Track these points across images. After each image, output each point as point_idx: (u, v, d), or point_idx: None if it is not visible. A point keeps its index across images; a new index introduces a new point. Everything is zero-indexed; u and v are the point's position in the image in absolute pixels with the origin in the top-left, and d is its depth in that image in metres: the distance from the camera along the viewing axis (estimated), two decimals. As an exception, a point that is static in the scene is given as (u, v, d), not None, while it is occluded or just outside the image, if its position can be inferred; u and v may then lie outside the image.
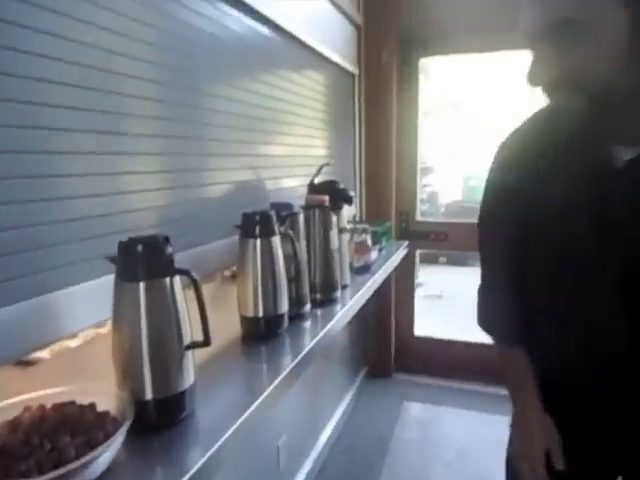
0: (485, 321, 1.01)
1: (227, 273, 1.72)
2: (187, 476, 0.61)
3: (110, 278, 0.71)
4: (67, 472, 0.53)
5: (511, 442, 0.95)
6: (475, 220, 0.96)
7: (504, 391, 1.01)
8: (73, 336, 1.23)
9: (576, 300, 0.79)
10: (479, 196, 0.94)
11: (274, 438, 1.65)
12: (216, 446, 0.67)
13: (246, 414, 0.75)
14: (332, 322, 1.19)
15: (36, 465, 0.55)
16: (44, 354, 1.14)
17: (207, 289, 0.81)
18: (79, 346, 1.16)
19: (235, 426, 0.72)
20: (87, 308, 0.82)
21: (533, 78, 0.63)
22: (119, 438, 0.59)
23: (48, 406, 0.66)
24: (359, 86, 2.46)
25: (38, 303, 0.74)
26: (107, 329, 1.24)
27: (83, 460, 0.54)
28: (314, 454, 2.02)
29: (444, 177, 6.67)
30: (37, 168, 0.74)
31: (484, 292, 1.00)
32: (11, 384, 0.80)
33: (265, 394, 0.82)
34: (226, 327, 1.10)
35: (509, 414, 0.98)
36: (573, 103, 0.63)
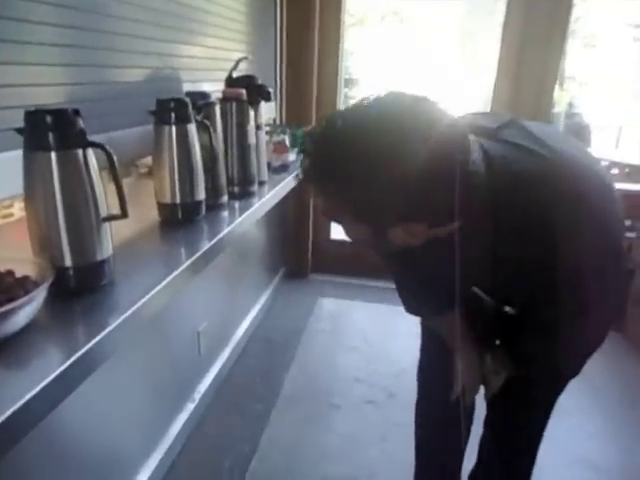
0: (413, 309, 1.12)
1: (143, 170, 1.69)
2: (105, 332, 0.66)
3: (16, 154, 0.70)
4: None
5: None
6: None
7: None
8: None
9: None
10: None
11: (195, 324, 1.76)
12: (134, 308, 0.73)
13: (163, 283, 0.82)
14: (249, 211, 1.25)
15: (-41, 318, 0.59)
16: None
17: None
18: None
19: (153, 292, 0.78)
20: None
21: None
22: (41, 293, 0.63)
23: (-37, 272, 0.68)
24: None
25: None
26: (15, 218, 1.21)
27: (4, 309, 0.58)
28: (233, 343, 2.17)
29: (370, 90, 6.59)
30: None
31: (400, 286, 1.12)
32: None
33: (182, 268, 0.88)
34: (143, 217, 1.12)
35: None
36: None
